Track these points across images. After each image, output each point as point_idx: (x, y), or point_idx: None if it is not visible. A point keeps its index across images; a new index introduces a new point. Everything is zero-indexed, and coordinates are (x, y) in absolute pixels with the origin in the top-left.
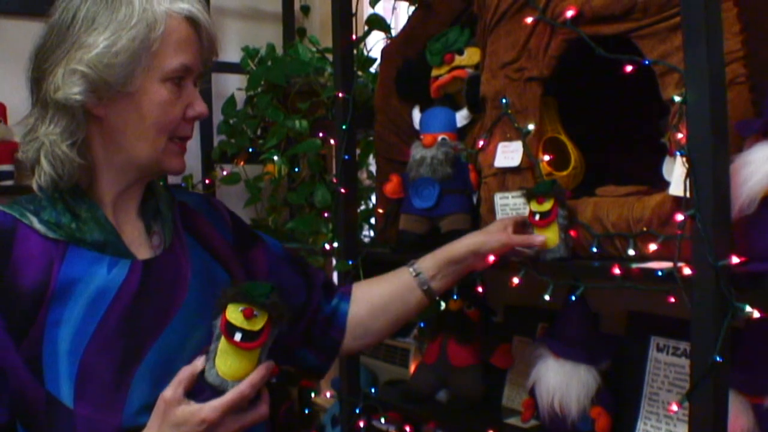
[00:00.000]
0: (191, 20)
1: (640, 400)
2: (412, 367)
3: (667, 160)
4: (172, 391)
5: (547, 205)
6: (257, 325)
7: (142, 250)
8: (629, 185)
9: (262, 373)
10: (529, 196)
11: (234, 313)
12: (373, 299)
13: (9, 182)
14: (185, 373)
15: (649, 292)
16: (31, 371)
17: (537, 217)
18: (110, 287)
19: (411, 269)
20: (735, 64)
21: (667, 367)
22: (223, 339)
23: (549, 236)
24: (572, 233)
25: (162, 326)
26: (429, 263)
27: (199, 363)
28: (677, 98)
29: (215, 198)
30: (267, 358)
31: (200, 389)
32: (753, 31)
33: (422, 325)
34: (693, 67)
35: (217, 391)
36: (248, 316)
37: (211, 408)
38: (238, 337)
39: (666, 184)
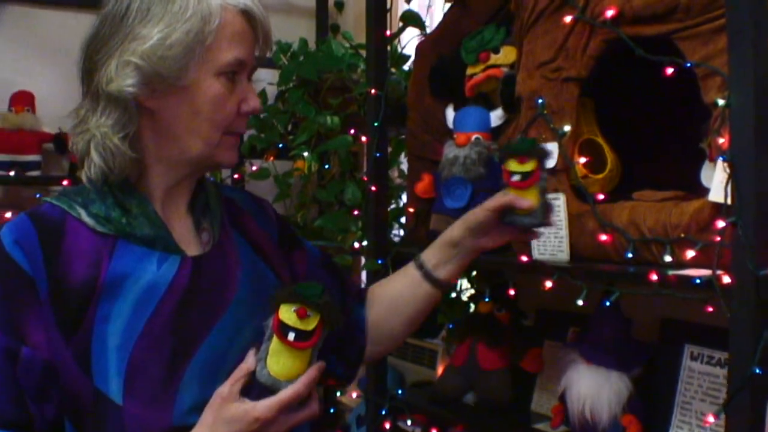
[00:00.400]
0: (246, 13)
1: (672, 409)
2: (440, 369)
3: (706, 165)
4: (228, 387)
5: (529, 166)
6: (310, 325)
7: (192, 246)
8: (667, 190)
9: (314, 373)
10: (508, 155)
11: (287, 313)
12: (384, 300)
13: (36, 172)
14: (242, 371)
15: (684, 300)
16: (80, 367)
17: (516, 177)
18: (160, 283)
19: (415, 263)
20: None
21: (701, 376)
22: (275, 339)
23: (528, 199)
24: (604, 236)
25: (212, 324)
26: (430, 252)
27: (251, 361)
28: (721, 102)
29: (260, 197)
30: (317, 359)
31: (252, 389)
32: None
33: (451, 326)
34: (738, 71)
35: (269, 391)
36: (302, 316)
37: (265, 407)
38: (291, 336)
39: (705, 190)
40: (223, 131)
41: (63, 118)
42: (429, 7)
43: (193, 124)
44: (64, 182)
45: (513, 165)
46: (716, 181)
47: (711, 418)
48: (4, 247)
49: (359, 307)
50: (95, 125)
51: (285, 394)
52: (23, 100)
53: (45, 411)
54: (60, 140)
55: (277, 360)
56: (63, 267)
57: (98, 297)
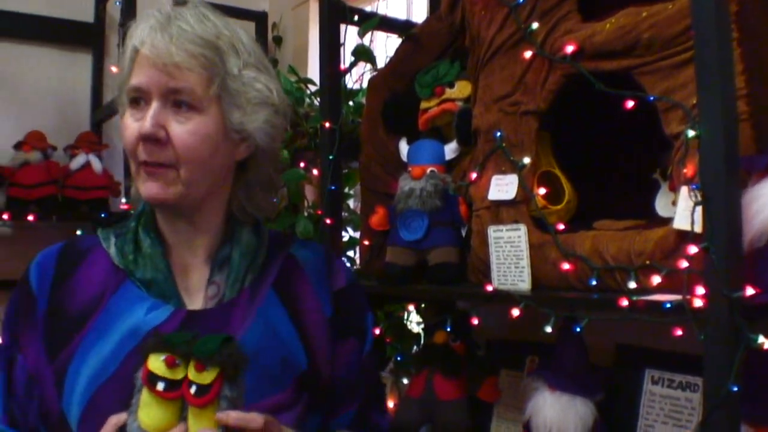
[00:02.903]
0: (143, 46)
1: None
2: (390, 402)
3: (662, 194)
4: None
5: (209, 376)
6: (179, 374)
7: (197, 298)
8: (621, 219)
9: (183, 428)
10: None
11: (156, 362)
12: None
13: None
14: (111, 422)
15: (639, 326)
16: (55, 386)
17: (192, 389)
18: (141, 330)
19: None
20: (740, 102)
21: (662, 399)
22: (145, 390)
23: (201, 423)
24: None
25: None
26: None
27: (123, 415)
28: (692, 133)
29: (340, 260)
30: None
31: None
32: (754, 72)
33: (399, 358)
34: (707, 103)
35: None
36: (170, 364)
37: None
38: (160, 386)
39: (659, 218)
40: (135, 161)
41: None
42: (371, 42)
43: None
44: (4, 216)
45: (177, 372)
46: (680, 208)
47: None
48: (30, 266)
49: None
50: None
51: None
52: None
53: (29, 418)
54: None
55: (148, 412)
56: (66, 293)
57: (87, 330)
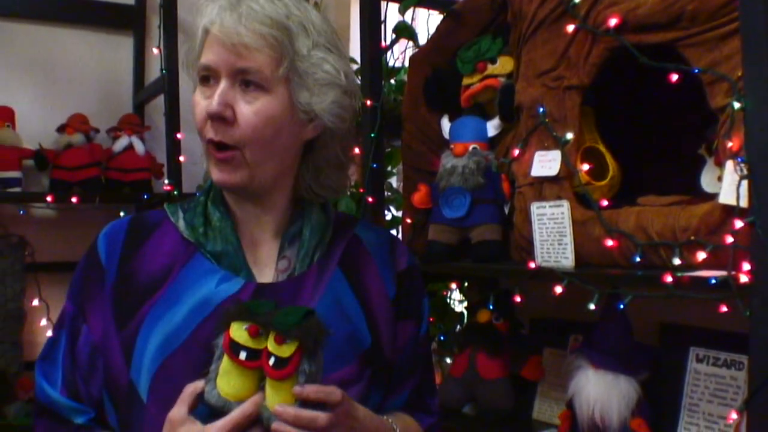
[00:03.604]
0: (214, 26)
1: (680, 411)
2: None
3: (707, 169)
4: (176, 409)
5: (288, 350)
6: (262, 344)
7: (267, 272)
8: (667, 195)
9: (260, 398)
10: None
11: (238, 331)
12: None
13: (17, 189)
14: (188, 391)
15: (684, 304)
16: (123, 356)
17: (271, 361)
18: (212, 300)
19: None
20: None
21: (707, 377)
22: (225, 358)
23: (280, 396)
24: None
25: None
26: None
27: (200, 383)
28: (737, 105)
29: (404, 246)
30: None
31: (201, 410)
32: None
33: (442, 337)
34: (753, 74)
35: (220, 412)
36: (253, 333)
37: (216, 428)
38: (242, 355)
39: (705, 194)
40: (203, 138)
41: (43, 134)
42: (412, 20)
43: None
44: (48, 198)
45: (265, 342)
46: (726, 182)
47: (734, 415)
48: (98, 237)
49: (420, 416)
50: None
51: (236, 414)
52: (3, 116)
53: (91, 389)
54: (40, 156)
55: (228, 380)
56: (136, 264)
57: (156, 299)
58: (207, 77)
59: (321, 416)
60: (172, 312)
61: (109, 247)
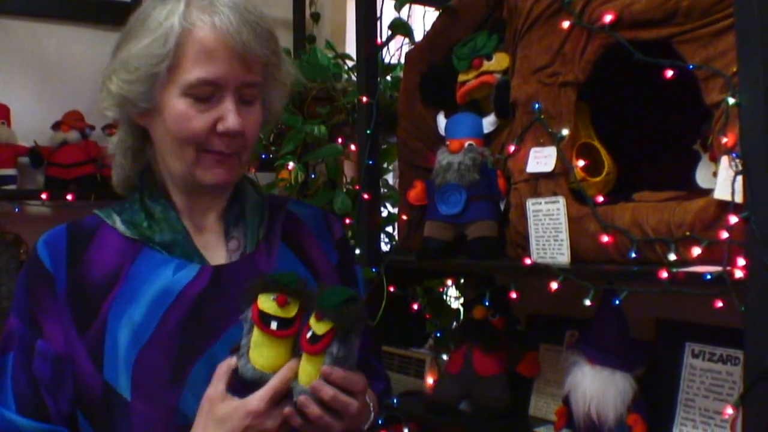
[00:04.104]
0: (214, 31)
1: (675, 407)
2: (429, 378)
3: (702, 165)
4: (213, 388)
5: (323, 327)
6: (291, 312)
7: (217, 254)
8: (662, 191)
9: (295, 364)
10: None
11: (267, 302)
12: None
13: (12, 186)
14: (222, 369)
15: (680, 299)
16: (92, 360)
17: (308, 335)
18: (173, 289)
19: None
20: None
21: (703, 373)
22: (256, 330)
23: (306, 372)
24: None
25: (222, 330)
26: None
27: (232, 360)
28: (732, 101)
29: (333, 215)
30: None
31: (237, 386)
32: None
33: (438, 334)
34: (747, 70)
35: (256, 384)
36: (282, 303)
37: (257, 398)
38: (273, 326)
39: (700, 190)
40: (197, 149)
41: (38, 131)
42: (408, 17)
43: (168, 143)
44: (43, 196)
45: (313, 323)
46: (721, 178)
47: (729, 410)
48: (36, 247)
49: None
50: (114, 139)
51: (274, 382)
52: None
53: (60, 404)
54: (35, 154)
55: (261, 352)
56: (84, 268)
57: (114, 296)
58: (203, 91)
59: (353, 404)
60: (133, 307)
61: (52, 254)
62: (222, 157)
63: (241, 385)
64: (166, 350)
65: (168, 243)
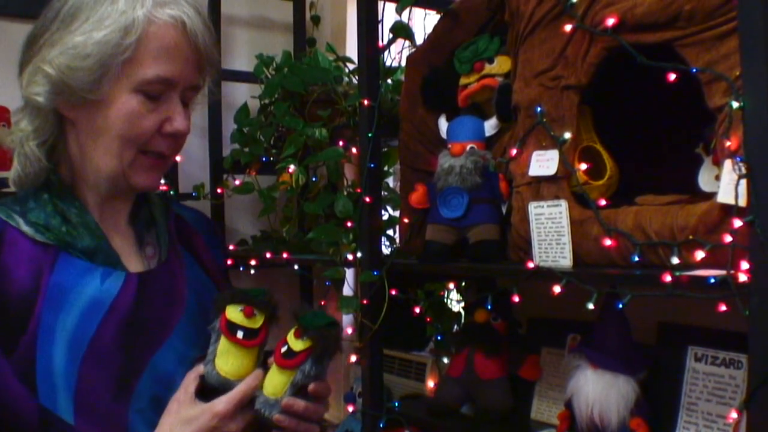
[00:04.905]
0: (179, 27)
1: (678, 411)
2: (430, 382)
3: (705, 168)
4: (182, 391)
5: (301, 345)
6: (257, 323)
7: (133, 261)
8: (664, 195)
9: (261, 374)
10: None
11: (234, 313)
12: None
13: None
14: (191, 376)
15: (682, 303)
16: (23, 384)
17: (283, 349)
18: (104, 299)
19: None
20: None
21: (706, 377)
22: (223, 339)
23: (272, 384)
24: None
25: (161, 340)
26: None
27: (200, 367)
28: (735, 104)
29: (208, 217)
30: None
31: (204, 392)
32: None
33: (439, 338)
34: (751, 73)
35: (220, 391)
36: (249, 314)
37: (223, 401)
38: (240, 334)
39: (703, 194)
40: (138, 149)
41: None
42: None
43: (106, 140)
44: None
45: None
46: (724, 182)
47: (734, 414)
48: None
49: None
50: (19, 129)
51: (242, 387)
52: None
53: None
54: None
55: (226, 359)
56: (1, 279)
57: (39, 309)
58: (155, 89)
59: (321, 409)
60: (63, 320)
61: None
62: (158, 160)
63: (205, 390)
64: (107, 367)
65: (91, 250)
